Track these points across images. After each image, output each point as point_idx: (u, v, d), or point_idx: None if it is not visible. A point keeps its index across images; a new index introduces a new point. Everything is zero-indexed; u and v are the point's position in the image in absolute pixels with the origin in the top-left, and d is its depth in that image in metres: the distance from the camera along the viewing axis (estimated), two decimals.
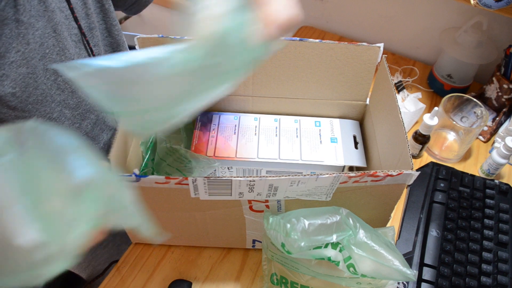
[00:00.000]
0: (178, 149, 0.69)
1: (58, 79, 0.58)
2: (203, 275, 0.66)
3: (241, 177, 0.45)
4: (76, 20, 0.58)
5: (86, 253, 0.81)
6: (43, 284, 0.69)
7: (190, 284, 0.64)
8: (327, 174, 0.45)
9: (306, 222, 0.46)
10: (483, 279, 0.64)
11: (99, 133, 0.69)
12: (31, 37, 0.51)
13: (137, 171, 0.46)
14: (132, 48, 0.89)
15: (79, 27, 0.59)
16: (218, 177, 0.45)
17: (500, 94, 0.88)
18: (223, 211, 0.56)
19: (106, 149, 0.72)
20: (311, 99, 0.73)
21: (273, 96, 0.73)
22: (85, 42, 0.62)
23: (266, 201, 0.52)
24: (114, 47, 0.70)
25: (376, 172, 0.46)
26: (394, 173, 0.46)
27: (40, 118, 0.57)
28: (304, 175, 0.45)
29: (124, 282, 0.65)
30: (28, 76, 0.53)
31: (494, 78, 0.88)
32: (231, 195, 0.49)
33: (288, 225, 0.48)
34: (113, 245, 0.83)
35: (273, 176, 0.45)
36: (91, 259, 0.81)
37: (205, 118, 0.73)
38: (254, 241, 0.65)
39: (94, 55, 0.64)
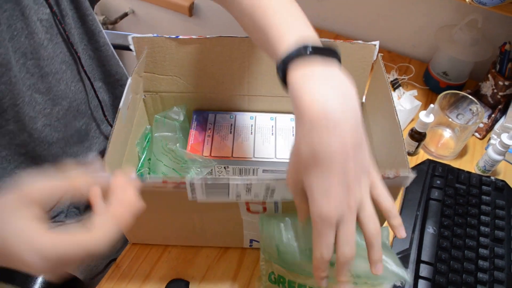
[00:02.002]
0: (174, 149, 0.68)
1: (27, 63, 0.57)
2: (200, 274, 0.66)
3: (238, 179, 0.45)
4: (50, 6, 0.58)
5: None
6: (40, 286, 0.69)
7: (188, 283, 0.64)
8: None
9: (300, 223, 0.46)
10: (480, 275, 0.65)
11: (71, 120, 0.68)
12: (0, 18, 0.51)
13: (133, 174, 0.45)
14: (126, 48, 0.89)
15: (54, 14, 0.59)
16: (216, 179, 0.45)
17: (495, 91, 0.88)
18: (221, 213, 0.56)
19: (78, 137, 0.71)
20: None
21: (269, 94, 0.72)
22: (61, 29, 0.61)
23: (264, 202, 0.52)
24: (90, 36, 0.69)
25: None
26: (391, 176, 0.46)
27: (13, 101, 0.56)
28: None
29: (122, 281, 0.65)
30: (2, 56, 0.52)
31: (489, 75, 0.88)
32: (228, 197, 0.49)
33: (282, 225, 0.48)
34: (110, 245, 0.82)
35: (270, 178, 0.45)
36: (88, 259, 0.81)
37: (200, 118, 0.73)
38: (251, 240, 0.65)
39: (70, 43, 0.63)
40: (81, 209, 0.79)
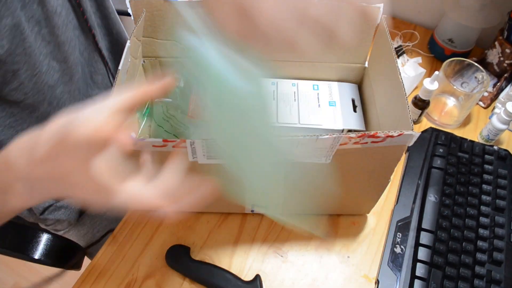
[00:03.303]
0: (175, 115, 0.67)
1: (42, 31, 0.56)
2: (201, 240, 0.66)
3: None
4: None
5: (84, 220, 0.81)
6: (42, 252, 0.69)
7: (188, 249, 0.64)
8: (327, 135, 0.44)
9: None
10: (480, 243, 0.65)
11: (86, 88, 0.68)
12: None
13: (134, 134, 0.44)
14: (125, 13, 0.87)
15: None
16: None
17: (502, 59, 0.86)
18: (222, 176, 0.55)
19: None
20: (309, 62, 0.71)
21: (272, 59, 0.71)
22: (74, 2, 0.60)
23: None
24: (99, 2, 0.68)
25: (377, 133, 0.45)
26: (395, 134, 0.45)
27: (30, 71, 0.56)
28: (304, 136, 0.44)
29: (122, 249, 0.65)
30: (14, 28, 0.51)
31: (496, 43, 0.86)
32: None
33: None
34: (111, 212, 0.82)
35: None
36: (90, 226, 0.81)
37: None
38: (253, 205, 0.64)
39: (81, 11, 0.62)
40: None
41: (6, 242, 0.70)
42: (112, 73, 0.74)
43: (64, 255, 0.74)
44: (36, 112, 0.61)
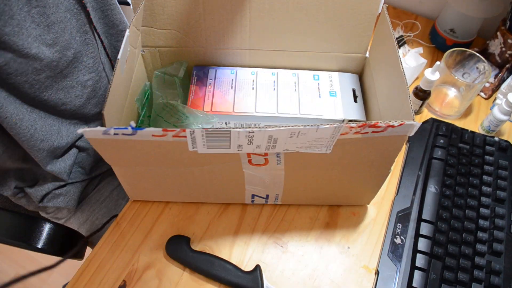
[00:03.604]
0: (175, 104, 0.67)
1: (32, 11, 0.54)
2: (201, 231, 0.66)
3: (240, 128, 0.44)
4: None
5: (83, 208, 0.81)
6: (45, 242, 0.70)
7: (188, 239, 0.64)
8: (328, 124, 0.44)
9: None
10: (480, 234, 0.65)
11: (75, 72, 0.66)
12: None
13: (133, 124, 0.44)
14: (124, 2, 0.86)
15: None
16: (217, 128, 0.44)
17: (504, 49, 0.86)
18: (222, 166, 0.55)
19: (84, 91, 0.70)
20: (310, 52, 0.71)
21: (271, 49, 0.71)
22: None
23: (266, 154, 0.51)
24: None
25: (378, 122, 0.45)
26: (396, 124, 0.45)
27: (19, 53, 0.54)
28: (305, 126, 0.43)
29: (123, 237, 0.65)
30: (3, 3, 0.50)
31: (498, 33, 0.86)
32: (229, 148, 0.48)
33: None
34: (111, 200, 0.82)
35: (272, 127, 0.44)
36: (89, 214, 0.81)
37: (201, 73, 0.72)
38: (253, 196, 0.64)
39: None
40: (86, 169, 0.79)
41: (9, 232, 0.70)
42: (108, 56, 0.73)
43: (66, 244, 0.75)
44: (19, 90, 0.60)
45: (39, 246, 0.70)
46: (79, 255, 0.78)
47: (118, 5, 0.74)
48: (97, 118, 0.76)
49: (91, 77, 0.69)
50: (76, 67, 0.66)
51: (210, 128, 0.44)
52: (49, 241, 0.72)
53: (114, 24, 0.73)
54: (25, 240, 0.71)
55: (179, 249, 0.62)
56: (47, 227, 0.72)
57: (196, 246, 0.65)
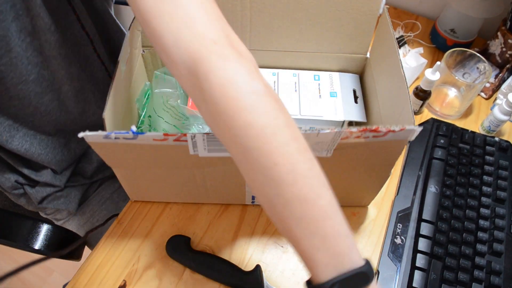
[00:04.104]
0: (175, 105, 0.67)
1: (34, 42, 0.55)
2: (201, 231, 0.66)
3: None
4: None
5: (84, 210, 0.81)
6: (42, 243, 0.70)
7: (189, 239, 0.64)
8: (329, 129, 0.44)
9: None
10: (480, 234, 0.65)
11: (79, 97, 0.68)
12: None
13: (134, 128, 0.44)
14: (123, 2, 0.85)
15: None
16: None
17: (504, 49, 0.85)
18: (222, 168, 0.55)
19: (82, 109, 0.70)
20: (310, 52, 0.71)
21: (271, 49, 0.70)
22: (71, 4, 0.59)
23: None
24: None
25: (378, 127, 0.45)
26: (397, 129, 0.45)
27: (15, 80, 0.55)
28: (305, 131, 0.43)
29: (123, 238, 0.65)
30: (1, 38, 0.50)
31: (499, 33, 0.86)
32: None
33: None
34: (111, 202, 0.83)
35: None
36: (89, 216, 0.81)
37: None
38: (253, 197, 0.64)
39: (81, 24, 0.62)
40: (87, 175, 0.79)
41: (6, 232, 0.70)
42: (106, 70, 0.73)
43: (63, 245, 0.75)
44: (22, 111, 0.61)
45: (36, 247, 0.71)
46: (76, 256, 0.78)
47: (120, 26, 0.74)
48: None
49: (97, 93, 0.71)
50: (81, 93, 0.67)
51: (211, 133, 0.44)
52: (46, 242, 0.72)
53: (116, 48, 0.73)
54: (22, 241, 0.71)
55: (179, 249, 0.63)
56: (44, 228, 0.72)
57: (196, 246, 0.65)
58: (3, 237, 0.70)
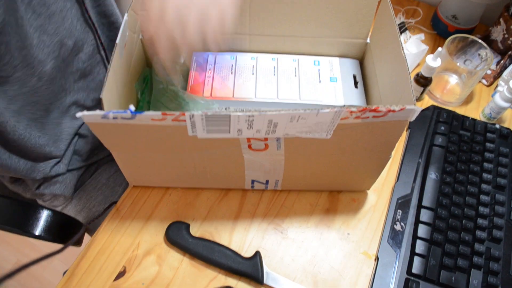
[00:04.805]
0: (175, 90, 0.67)
1: (33, 2, 0.55)
2: (201, 217, 0.66)
3: (240, 112, 0.43)
4: None
5: (80, 195, 0.81)
6: (42, 229, 0.70)
7: (188, 225, 0.64)
8: (328, 109, 0.43)
9: None
10: (480, 221, 0.65)
11: (75, 60, 0.67)
12: None
13: (132, 107, 0.44)
14: None
15: None
16: (216, 112, 0.44)
17: (506, 36, 0.85)
18: (222, 151, 0.55)
19: (79, 76, 0.70)
20: (310, 37, 0.70)
21: (271, 34, 0.70)
22: None
23: (265, 139, 0.51)
24: None
25: (378, 107, 0.44)
26: (397, 109, 0.44)
27: (20, 43, 0.55)
28: (305, 110, 0.43)
29: (122, 224, 0.65)
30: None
31: (501, 19, 0.85)
32: (229, 133, 0.47)
33: None
34: (107, 187, 0.82)
35: (272, 111, 0.44)
36: (86, 201, 0.81)
37: (200, 59, 0.71)
38: (253, 181, 0.64)
39: None
40: (83, 156, 0.79)
41: (6, 219, 0.70)
42: (103, 45, 0.73)
43: (64, 231, 0.74)
44: (25, 87, 0.60)
45: (37, 233, 0.70)
46: (77, 242, 0.78)
47: None
48: (94, 106, 0.76)
49: (89, 63, 0.70)
50: (76, 55, 0.66)
51: (209, 112, 0.43)
52: (47, 228, 0.71)
53: (105, 14, 0.73)
54: (22, 227, 0.70)
55: (179, 235, 0.62)
56: (44, 214, 0.72)
57: (196, 232, 0.65)
58: (3, 223, 0.69)
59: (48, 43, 0.60)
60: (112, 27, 0.75)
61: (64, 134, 0.72)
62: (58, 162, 0.73)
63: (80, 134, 0.76)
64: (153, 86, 0.69)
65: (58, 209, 0.83)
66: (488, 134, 0.75)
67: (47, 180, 0.75)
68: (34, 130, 0.66)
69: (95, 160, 0.82)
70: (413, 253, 0.62)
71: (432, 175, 0.69)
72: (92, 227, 0.84)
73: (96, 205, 0.81)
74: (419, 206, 0.66)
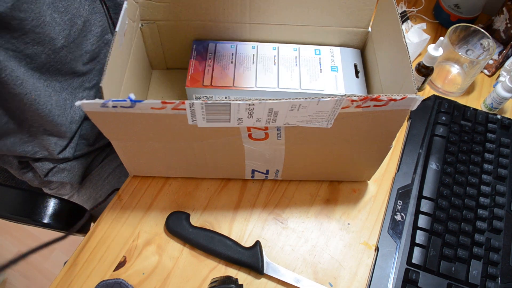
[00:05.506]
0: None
1: None
2: (201, 207, 0.66)
3: (240, 100, 0.43)
4: None
5: (87, 185, 0.81)
6: (51, 217, 0.70)
7: (188, 215, 0.64)
8: (329, 97, 0.43)
9: None
10: (480, 211, 0.65)
11: (84, 41, 0.67)
12: None
13: (132, 96, 0.43)
14: None
15: None
16: (216, 101, 0.43)
17: (509, 25, 0.84)
18: (222, 140, 0.54)
19: (89, 58, 0.70)
20: (311, 26, 0.70)
21: (271, 23, 0.69)
22: None
23: (266, 128, 0.51)
24: None
25: (380, 96, 0.44)
26: (398, 97, 0.44)
27: (35, 21, 0.54)
28: (306, 98, 0.43)
29: (123, 213, 0.65)
30: None
31: (504, 8, 0.84)
32: (229, 122, 0.47)
33: None
34: (113, 177, 0.82)
35: (273, 100, 0.43)
36: (92, 191, 0.81)
37: (201, 47, 0.70)
38: (253, 171, 0.64)
39: None
40: (90, 140, 0.78)
41: (14, 208, 0.70)
42: (115, 26, 0.72)
43: (72, 219, 0.74)
44: (33, 63, 0.60)
45: (45, 221, 0.70)
46: (85, 230, 0.78)
47: None
48: None
49: (98, 45, 0.69)
50: (85, 36, 0.66)
51: (209, 101, 0.43)
52: (55, 216, 0.71)
53: None
54: (31, 216, 0.70)
55: (179, 225, 0.62)
56: (52, 202, 0.72)
57: (196, 222, 0.65)
58: (11, 213, 0.70)
59: (59, 21, 0.59)
60: (118, 9, 0.74)
61: (77, 117, 0.72)
62: (66, 146, 0.73)
63: (86, 118, 0.76)
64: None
65: (65, 198, 0.83)
66: (490, 125, 0.74)
67: (55, 167, 0.75)
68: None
69: (101, 144, 0.81)
70: (413, 243, 0.62)
71: (432, 166, 0.69)
72: (97, 214, 0.84)
73: (102, 195, 0.81)
74: (420, 197, 0.66)
